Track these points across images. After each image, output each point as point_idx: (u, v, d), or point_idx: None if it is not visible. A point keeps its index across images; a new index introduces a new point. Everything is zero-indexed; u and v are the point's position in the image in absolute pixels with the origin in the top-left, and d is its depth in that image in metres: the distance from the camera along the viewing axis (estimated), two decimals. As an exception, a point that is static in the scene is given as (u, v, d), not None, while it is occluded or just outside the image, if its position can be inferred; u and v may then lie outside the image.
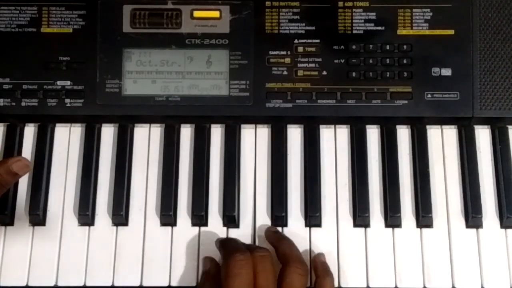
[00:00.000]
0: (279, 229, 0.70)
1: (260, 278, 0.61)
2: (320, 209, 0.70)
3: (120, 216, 0.70)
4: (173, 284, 0.69)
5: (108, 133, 0.74)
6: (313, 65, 0.72)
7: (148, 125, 0.74)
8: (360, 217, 0.70)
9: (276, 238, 0.68)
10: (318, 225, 0.70)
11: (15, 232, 0.70)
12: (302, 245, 0.69)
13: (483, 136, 0.73)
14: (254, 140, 0.73)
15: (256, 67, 0.72)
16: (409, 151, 0.73)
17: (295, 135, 0.73)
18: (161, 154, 0.72)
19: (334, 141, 0.73)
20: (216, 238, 0.69)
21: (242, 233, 0.70)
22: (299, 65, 0.72)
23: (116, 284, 0.69)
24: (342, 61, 0.72)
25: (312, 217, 0.70)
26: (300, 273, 0.63)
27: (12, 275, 0.68)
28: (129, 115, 0.72)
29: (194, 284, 0.69)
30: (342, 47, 0.72)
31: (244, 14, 0.73)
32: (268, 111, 0.72)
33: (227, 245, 0.65)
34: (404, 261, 0.69)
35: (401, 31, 0.73)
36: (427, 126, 0.73)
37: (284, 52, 0.72)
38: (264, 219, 0.71)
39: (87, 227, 0.70)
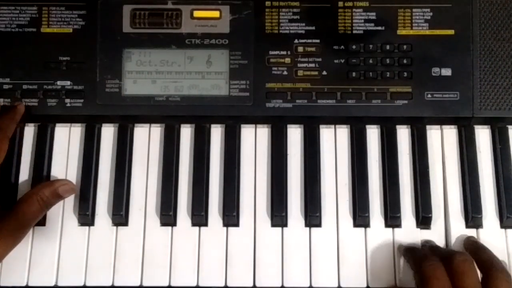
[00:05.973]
0: (279, 229, 0.70)
1: (466, 281, 0.60)
2: (320, 209, 0.70)
3: (120, 216, 0.70)
4: (173, 284, 0.69)
5: (108, 133, 0.73)
6: (313, 65, 0.72)
7: (148, 125, 0.74)
8: (360, 217, 0.70)
9: (476, 247, 0.67)
10: (318, 225, 0.70)
11: (15, 232, 0.70)
12: (302, 245, 0.69)
13: (483, 136, 0.73)
14: (254, 140, 0.73)
15: (256, 67, 0.72)
16: (409, 151, 0.73)
17: (295, 135, 0.73)
18: (161, 154, 0.72)
19: (334, 141, 0.73)
20: (401, 246, 0.69)
21: (242, 233, 0.70)
22: (299, 65, 0.72)
23: (116, 284, 0.69)
24: (342, 61, 0.72)
25: (312, 217, 0.70)
26: (507, 281, 0.61)
27: (12, 275, 0.68)
28: (129, 115, 0.72)
29: (194, 284, 0.69)
30: (342, 47, 0.72)
31: (244, 14, 0.73)
32: (268, 111, 0.72)
33: (414, 255, 0.65)
34: (404, 261, 0.69)
35: (401, 31, 0.73)
36: (427, 126, 0.73)
37: (284, 52, 0.72)
38: (264, 219, 0.71)
39: (87, 227, 0.70)
